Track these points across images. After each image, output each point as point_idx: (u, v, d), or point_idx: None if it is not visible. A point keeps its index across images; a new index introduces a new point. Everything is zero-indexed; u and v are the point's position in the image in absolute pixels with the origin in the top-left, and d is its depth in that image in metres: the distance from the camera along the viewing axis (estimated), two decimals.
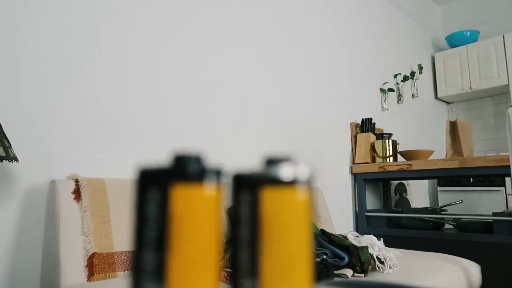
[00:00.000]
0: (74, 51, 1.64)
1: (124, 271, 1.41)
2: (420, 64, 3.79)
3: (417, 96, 3.82)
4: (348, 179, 2.90)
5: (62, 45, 1.60)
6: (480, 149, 4.17)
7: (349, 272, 1.38)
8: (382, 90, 3.41)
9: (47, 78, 1.55)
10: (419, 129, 3.88)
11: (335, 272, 1.38)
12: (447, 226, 2.56)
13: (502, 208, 3.28)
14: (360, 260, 1.40)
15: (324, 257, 1.42)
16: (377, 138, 2.90)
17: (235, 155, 2.18)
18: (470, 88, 3.95)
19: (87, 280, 1.33)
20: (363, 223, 2.76)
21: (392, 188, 3.21)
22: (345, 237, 1.61)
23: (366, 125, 2.98)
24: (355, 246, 1.44)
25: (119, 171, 1.71)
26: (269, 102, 2.43)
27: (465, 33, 4.05)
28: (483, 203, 3.39)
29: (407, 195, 3.34)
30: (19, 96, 1.47)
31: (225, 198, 1.52)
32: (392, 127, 3.48)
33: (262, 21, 2.47)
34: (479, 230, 2.25)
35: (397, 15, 3.84)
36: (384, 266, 1.47)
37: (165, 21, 1.97)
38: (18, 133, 1.45)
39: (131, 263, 0.26)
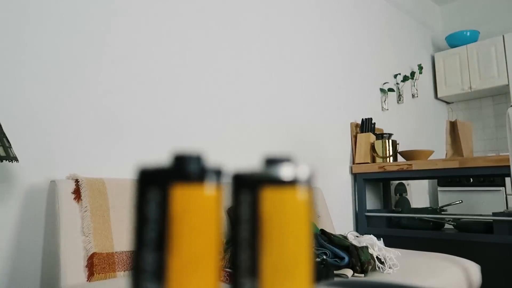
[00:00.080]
0: (74, 51, 1.64)
1: (124, 271, 1.41)
2: (420, 64, 3.79)
3: (417, 96, 3.82)
4: (348, 179, 2.90)
5: (62, 45, 1.61)
6: (480, 149, 4.17)
7: (349, 272, 1.38)
8: (382, 90, 3.41)
9: (47, 78, 1.55)
10: (419, 129, 3.87)
11: (335, 272, 1.38)
12: (447, 226, 2.56)
13: (502, 208, 3.28)
14: (360, 260, 1.40)
15: (324, 257, 1.42)
16: (377, 138, 2.89)
17: (235, 155, 2.19)
18: (470, 88, 3.95)
19: (87, 280, 1.33)
20: (363, 223, 2.76)
21: (392, 188, 3.21)
22: (345, 237, 1.61)
23: (366, 125, 2.98)
24: (355, 246, 1.44)
25: (119, 171, 1.71)
26: (269, 102, 2.43)
27: (465, 33, 4.05)
28: (483, 203, 3.39)
29: (407, 195, 3.34)
30: (19, 96, 1.47)
31: (225, 198, 1.52)
32: (392, 127, 3.48)
33: (263, 22, 2.47)
34: (479, 230, 2.25)
35: (397, 15, 3.84)
36: (384, 266, 1.47)
37: (166, 22, 1.97)
38: (18, 133, 1.45)
39: (131, 263, 0.26)
